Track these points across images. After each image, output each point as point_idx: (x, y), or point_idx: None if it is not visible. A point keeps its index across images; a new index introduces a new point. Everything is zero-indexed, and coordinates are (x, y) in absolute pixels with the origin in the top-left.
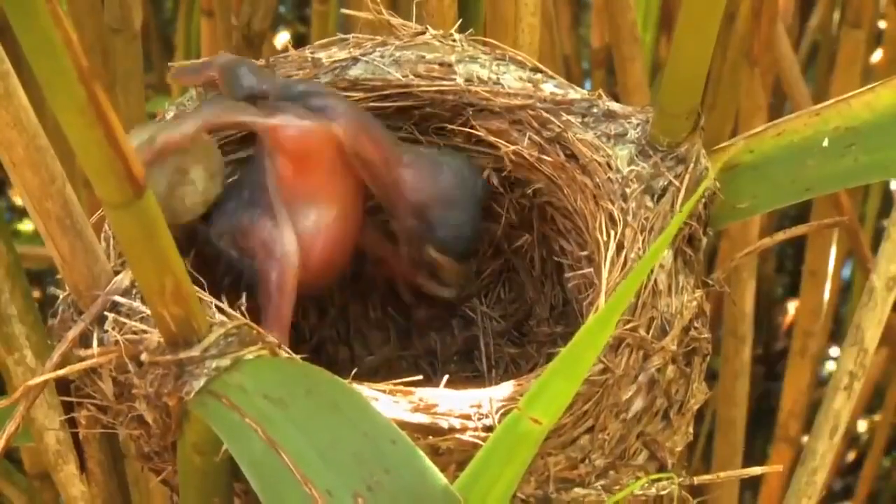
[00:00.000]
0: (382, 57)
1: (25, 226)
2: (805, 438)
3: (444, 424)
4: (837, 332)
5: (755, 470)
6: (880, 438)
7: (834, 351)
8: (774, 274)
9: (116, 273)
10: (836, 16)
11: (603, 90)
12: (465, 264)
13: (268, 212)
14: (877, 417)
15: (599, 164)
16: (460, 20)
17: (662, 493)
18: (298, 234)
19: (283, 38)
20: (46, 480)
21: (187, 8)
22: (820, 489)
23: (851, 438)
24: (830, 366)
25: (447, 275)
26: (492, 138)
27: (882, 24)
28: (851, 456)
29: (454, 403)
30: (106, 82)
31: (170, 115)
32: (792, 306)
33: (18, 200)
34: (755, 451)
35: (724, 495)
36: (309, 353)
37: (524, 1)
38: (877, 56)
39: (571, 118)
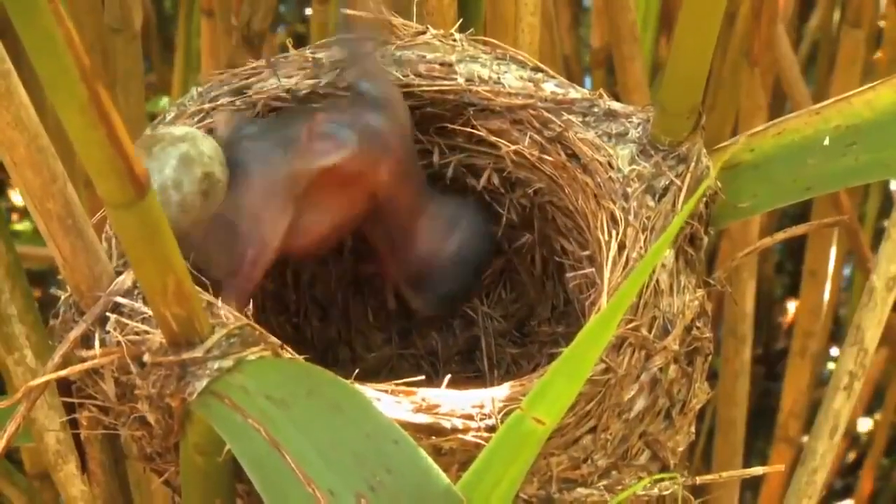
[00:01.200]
0: (383, 57)
1: (25, 225)
2: (805, 438)
3: (447, 425)
4: (837, 332)
5: (756, 470)
6: (880, 438)
7: (834, 351)
8: (774, 274)
9: (118, 273)
10: (836, 16)
11: (603, 90)
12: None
13: (273, 196)
14: (877, 417)
15: (601, 163)
16: (460, 20)
17: (665, 493)
18: (296, 223)
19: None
20: (46, 480)
21: (187, 8)
22: (820, 489)
23: (851, 438)
24: (831, 366)
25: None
26: (493, 138)
27: (882, 24)
28: (851, 456)
29: (456, 404)
30: (106, 82)
31: (170, 115)
32: (792, 306)
33: (18, 200)
34: (755, 451)
35: (724, 495)
36: (311, 353)
37: (524, 0)
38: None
39: (572, 118)
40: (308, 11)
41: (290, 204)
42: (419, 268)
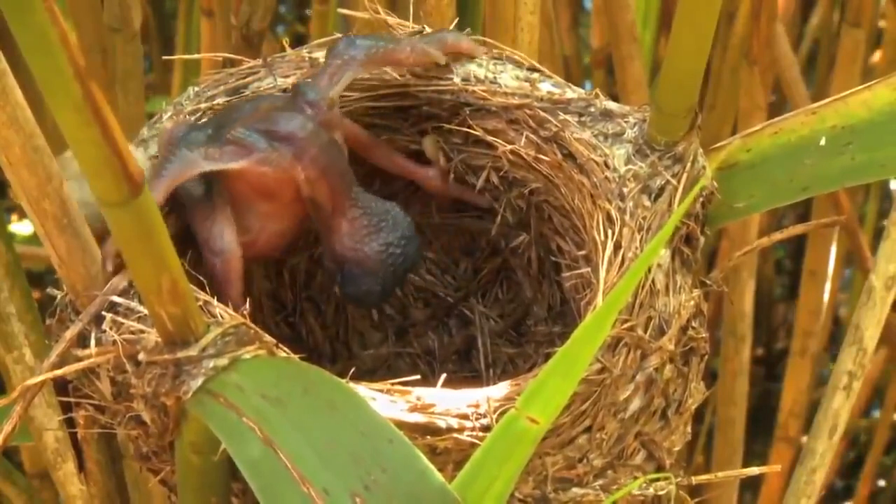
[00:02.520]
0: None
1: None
2: (805, 438)
3: (442, 424)
4: (838, 332)
5: (753, 470)
6: (880, 438)
7: (835, 351)
8: (774, 274)
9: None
10: (836, 15)
11: (603, 90)
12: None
13: (204, 211)
14: (877, 416)
15: (597, 163)
16: (458, 19)
17: (660, 493)
18: (243, 228)
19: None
20: (45, 480)
21: (187, 8)
22: (819, 489)
23: (851, 438)
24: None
25: None
26: (489, 137)
27: (882, 24)
28: (851, 456)
29: (452, 403)
30: (105, 82)
31: (167, 115)
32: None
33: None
34: (755, 451)
35: (723, 495)
36: (306, 352)
37: (523, 0)
38: (876, 56)
39: (568, 117)
40: (308, 12)
41: (224, 209)
42: (340, 264)
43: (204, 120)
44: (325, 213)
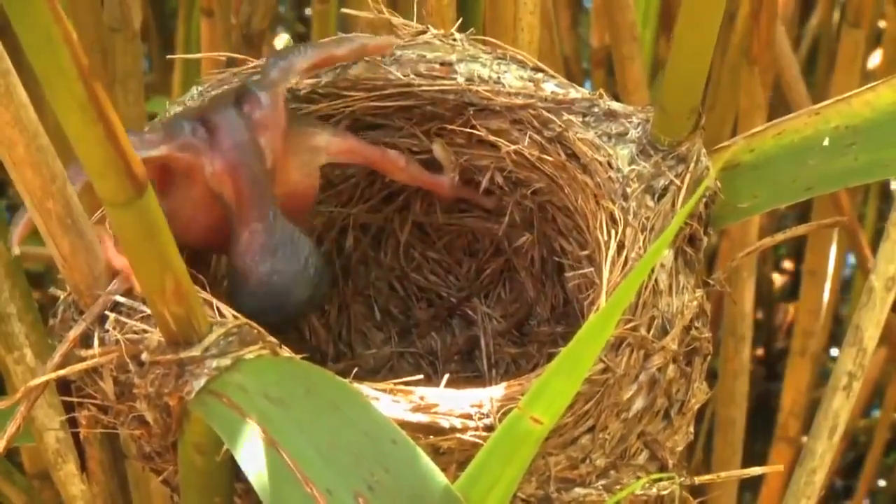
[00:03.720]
0: (383, 56)
1: None
2: (805, 438)
3: (445, 424)
4: (838, 332)
5: (755, 470)
6: (880, 438)
7: (834, 351)
8: (774, 274)
9: (117, 273)
10: (836, 15)
11: (603, 90)
12: None
13: None
14: (877, 416)
15: (600, 163)
16: (460, 19)
17: (663, 493)
18: (173, 214)
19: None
20: (46, 480)
21: (187, 8)
22: (819, 489)
23: (851, 438)
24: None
25: None
26: (493, 138)
27: (882, 24)
28: (851, 456)
29: (455, 403)
30: (105, 82)
31: (170, 114)
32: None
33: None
34: (755, 451)
35: (723, 495)
36: (309, 352)
37: (523, 0)
38: (876, 56)
39: (572, 118)
40: (308, 11)
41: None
42: (231, 276)
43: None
44: (231, 213)
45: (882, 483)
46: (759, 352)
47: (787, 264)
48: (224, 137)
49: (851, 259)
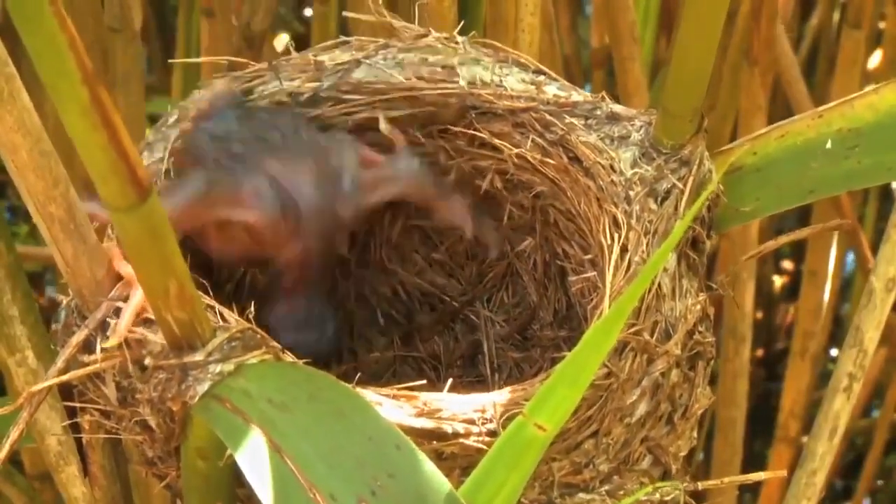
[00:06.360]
0: (385, 59)
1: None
2: (805, 439)
3: (448, 429)
4: (838, 332)
5: (760, 475)
6: (880, 438)
7: (834, 352)
8: (774, 275)
9: (120, 278)
10: (836, 16)
11: (602, 90)
12: None
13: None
14: (877, 416)
15: (603, 166)
16: (462, 22)
17: (667, 498)
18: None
19: (283, 39)
20: (46, 481)
21: (187, 8)
22: (819, 490)
23: (851, 439)
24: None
25: None
26: (495, 141)
27: (882, 25)
28: (851, 456)
29: (458, 408)
30: (106, 83)
31: (172, 118)
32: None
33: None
34: (755, 452)
35: (723, 497)
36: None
37: (524, 1)
38: (876, 57)
39: (574, 121)
40: (308, 12)
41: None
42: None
43: (238, 107)
44: (278, 273)
45: (882, 483)
46: (759, 352)
47: (788, 265)
48: (313, 226)
49: (852, 258)
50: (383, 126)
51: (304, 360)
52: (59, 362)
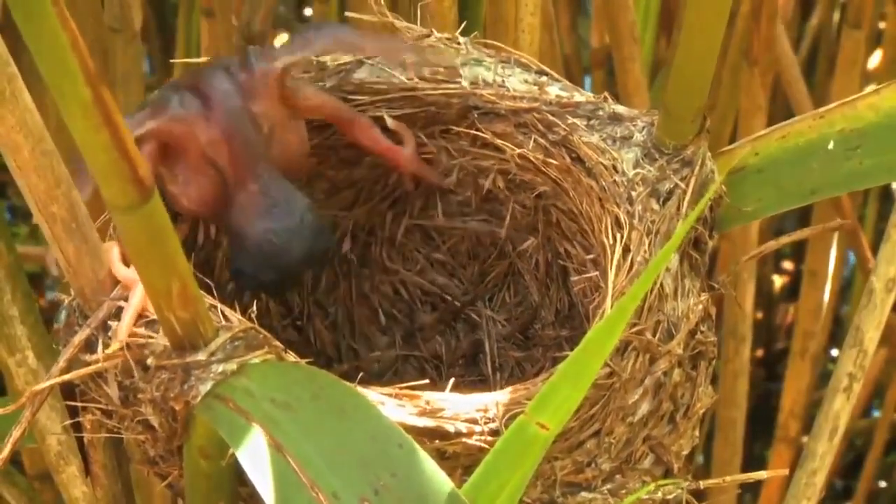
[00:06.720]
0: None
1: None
2: (805, 439)
3: (451, 428)
4: (838, 332)
5: (762, 474)
6: (880, 438)
7: (834, 352)
8: (774, 275)
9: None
10: (836, 16)
11: (602, 90)
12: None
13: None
14: (877, 416)
15: (605, 166)
16: (464, 23)
17: (669, 497)
18: (173, 178)
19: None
20: (47, 481)
21: (187, 8)
22: (820, 490)
23: (851, 439)
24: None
25: None
26: (497, 141)
27: (882, 25)
28: (851, 456)
29: (460, 407)
30: (106, 82)
31: None
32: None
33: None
34: (755, 452)
35: (724, 496)
36: (314, 357)
37: (524, 1)
38: (876, 57)
39: (577, 121)
40: (308, 12)
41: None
42: (230, 239)
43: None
44: (228, 177)
45: (882, 483)
46: (760, 352)
47: (788, 265)
48: (217, 105)
49: (852, 258)
50: (390, 122)
51: (290, 262)
52: (62, 362)
